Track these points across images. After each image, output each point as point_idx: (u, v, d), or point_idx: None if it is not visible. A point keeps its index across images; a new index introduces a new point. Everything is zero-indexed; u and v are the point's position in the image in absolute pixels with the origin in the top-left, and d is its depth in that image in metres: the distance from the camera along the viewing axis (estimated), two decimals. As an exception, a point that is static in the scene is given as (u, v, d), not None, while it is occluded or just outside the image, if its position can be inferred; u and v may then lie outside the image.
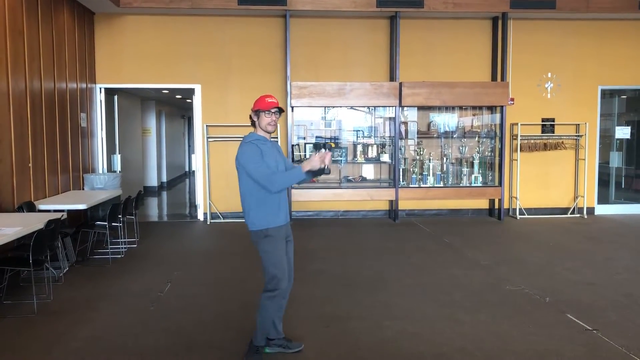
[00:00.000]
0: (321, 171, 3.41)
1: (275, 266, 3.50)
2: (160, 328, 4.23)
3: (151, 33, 8.96)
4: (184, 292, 5.17)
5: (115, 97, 9.84)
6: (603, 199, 10.00)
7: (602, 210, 9.84)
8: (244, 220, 3.59)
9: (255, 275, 5.63)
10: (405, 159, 9.31)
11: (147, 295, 5.04)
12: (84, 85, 8.37)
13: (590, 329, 4.16)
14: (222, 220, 9.02)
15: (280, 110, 3.55)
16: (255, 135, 3.56)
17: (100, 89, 8.96)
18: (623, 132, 9.98)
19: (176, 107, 17.21)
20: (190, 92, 9.40)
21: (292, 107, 8.78)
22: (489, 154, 9.46)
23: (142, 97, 13.12)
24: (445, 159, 9.46)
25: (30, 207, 6.10)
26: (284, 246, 3.60)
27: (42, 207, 6.19)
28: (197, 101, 9.16)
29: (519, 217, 9.36)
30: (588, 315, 4.45)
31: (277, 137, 8.97)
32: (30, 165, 6.49)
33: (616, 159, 10.19)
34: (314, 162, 3.34)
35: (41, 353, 3.75)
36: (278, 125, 3.71)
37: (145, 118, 13.98)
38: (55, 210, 5.98)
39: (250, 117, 3.60)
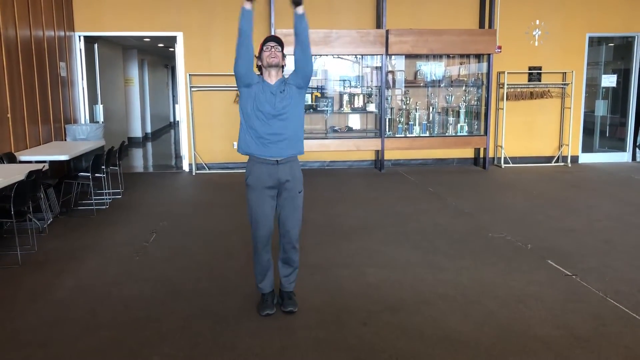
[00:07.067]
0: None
1: (249, 215, 3.50)
2: (146, 277, 4.25)
3: (130, -22, 8.65)
4: (169, 242, 5.18)
5: (96, 45, 9.58)
6: (587, 147, 10.06)
7: (586, 158, 9.91)
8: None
9: (240, 225, 5.65)
10: (391, 108, 9.24)
11: (132, 245, 5.05)
12: (62, 33, 8.11)
13: (569, 274, 4.24)
14: (207, 171, 8.97)
15: (279, 43, 3.59)
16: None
17: (80, 37, 8.70)
18: (609, 81, 9.95)
19: (159, 56, 16.84)
20: (172, 40, 9.16)
21: (277, 56, 8.59)
22: (475, 103, 9.41)
23: (124, 46, 12.80)
24: (431, 108, 9.40)
25: (11, 159, 6.01)
26: (266, 197, 3.43)
27: (23, 158, 6.09)
28: (179, 50, 8.94)
29: (503, 165, 9.41)
30: (568, 261, 4.54)
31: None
32: (9, 115, 6.35)
33: (601, 108, 10.20)
34: None
35: (26, 303, 3.76)
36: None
37: (127, 67, 13.68)
38: (36, 161, 5.89)
39: (258, 66, 3.61)
